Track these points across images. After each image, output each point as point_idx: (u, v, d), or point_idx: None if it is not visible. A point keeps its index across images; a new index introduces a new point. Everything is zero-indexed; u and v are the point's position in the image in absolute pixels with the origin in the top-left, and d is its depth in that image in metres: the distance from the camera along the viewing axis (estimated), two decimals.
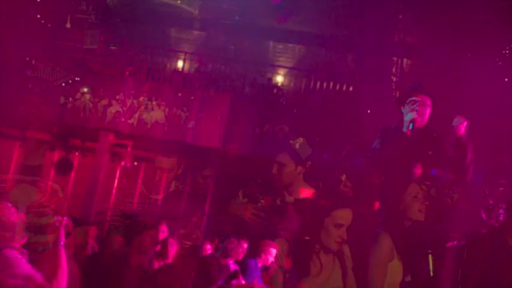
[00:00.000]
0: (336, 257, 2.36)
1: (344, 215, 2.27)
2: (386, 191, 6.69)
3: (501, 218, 3.55)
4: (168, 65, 15.94)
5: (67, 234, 2.83)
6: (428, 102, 7.09)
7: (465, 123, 6.60)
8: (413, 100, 7.05)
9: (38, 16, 13.83)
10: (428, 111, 7.07)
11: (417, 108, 6.92)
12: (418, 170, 6.65)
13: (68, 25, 13.51)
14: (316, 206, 2.61)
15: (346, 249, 2.45)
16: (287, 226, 6.72)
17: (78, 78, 12.48)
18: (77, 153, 9.98)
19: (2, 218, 2.67)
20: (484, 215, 4.05)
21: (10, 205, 2.78)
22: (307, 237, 2.51)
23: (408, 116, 6.95)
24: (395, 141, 6.98)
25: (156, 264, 5.26)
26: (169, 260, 5.27)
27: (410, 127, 6.77)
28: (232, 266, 5.42)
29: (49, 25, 14.25)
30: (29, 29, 11.83)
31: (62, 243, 2.78)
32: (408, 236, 5.25)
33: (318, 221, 2.45)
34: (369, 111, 13.55)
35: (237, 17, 13.05)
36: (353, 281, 2.58)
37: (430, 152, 6.77)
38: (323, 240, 2.25)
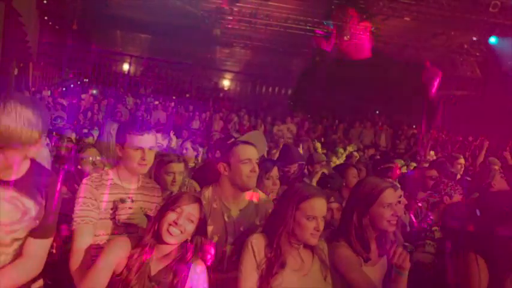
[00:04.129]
0: (315, 253, 2.26)
1: (316, 206, 2.19)
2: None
3: (429, 221, 3.73)
4: (114, 68, 15.75)
5: None
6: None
7: None
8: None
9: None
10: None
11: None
12: (397, 171, 5.82)
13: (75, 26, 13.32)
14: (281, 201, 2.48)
15: (323, 245, 2.36)
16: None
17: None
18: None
19: None
20: (414, 219, 4.22)
21: None
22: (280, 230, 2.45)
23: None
24: None
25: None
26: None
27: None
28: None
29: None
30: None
31: None
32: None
33: (284, 214, 2.36)
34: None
35: (206, 21, 12.90)
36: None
37: None
38: (297, 234, 2.20)
